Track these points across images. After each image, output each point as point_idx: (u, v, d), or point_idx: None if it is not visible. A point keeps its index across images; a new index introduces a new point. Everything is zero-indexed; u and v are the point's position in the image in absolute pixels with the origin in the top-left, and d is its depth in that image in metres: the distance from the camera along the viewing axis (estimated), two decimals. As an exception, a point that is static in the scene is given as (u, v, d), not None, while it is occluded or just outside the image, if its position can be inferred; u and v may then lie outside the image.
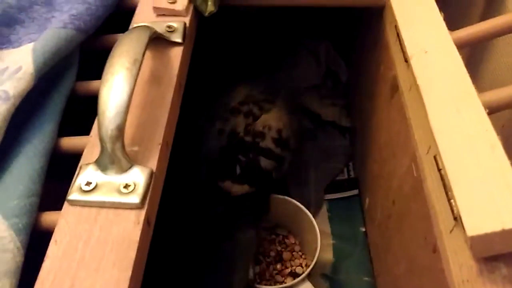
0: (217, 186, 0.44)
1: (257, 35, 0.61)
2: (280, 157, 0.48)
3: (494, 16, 0.32)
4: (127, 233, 0.26)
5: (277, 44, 0.63)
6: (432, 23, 0.31)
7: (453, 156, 0.24)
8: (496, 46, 0.36)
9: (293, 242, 0.50)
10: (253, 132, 0.47)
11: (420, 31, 0.31)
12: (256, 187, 0.46)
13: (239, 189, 0.45)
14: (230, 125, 0.48)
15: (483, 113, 0.25)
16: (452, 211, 0.25)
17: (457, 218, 0.25)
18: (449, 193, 0.25)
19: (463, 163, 0.24)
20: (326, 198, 0.55)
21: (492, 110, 0.26)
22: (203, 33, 0.44)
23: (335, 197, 0.56)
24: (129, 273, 0.25)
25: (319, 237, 0.44)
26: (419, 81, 0.28)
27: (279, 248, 0.49)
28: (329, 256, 0.50)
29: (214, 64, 0.56)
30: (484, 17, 0.40)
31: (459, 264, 0.25)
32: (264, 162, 0.46)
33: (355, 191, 0.56)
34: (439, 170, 0.27)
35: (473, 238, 0.22)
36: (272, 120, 0.48)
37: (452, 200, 0.25)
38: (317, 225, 0.46)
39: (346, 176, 0.58)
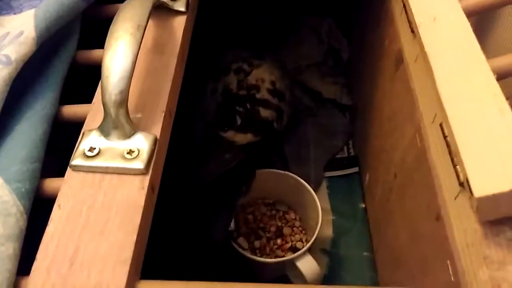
0: (219, 136, 0.45)
1: (259, 11, 0.61)
2: (279, 107, 0.48)
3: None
4: (131, 198, 0.26)
5: (279, 22, 0.62)
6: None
7: (461, 120, 0.24)
8: (502, 14, 0.36)
9: (294, 217, 0.50)
10: (247, 85, 0.47)
11: (428, -1, 0.31)
12: (261, 136, 0.46)
13: (242, 138, 0.46)
14: (223, 84, 0.48)
15: (492, 78, 0.25)
16: (458, 177, 0.25)
17: (463, 183, 0.25)
18: (455, 159, 0.25)
19: (471, 127, 0.24)
20: (326, 176, 0.55)
21: (500, 76, 0.26)
22: (206, 5, 0.43)
23: (335, 175, 0.56)
24: (135, 237, 0.25)
25: (320, 212, 0.45)
26: (427, 49, 0.28)
27: (279, 224, 0.49)
28: (329, 231, 0.50)
29: (215, 40, 0.55)
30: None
31: (464, 229, 0.25)
32: (264, 112, 0.47)
33: (355, 169, 0.56)
34: (445, 137, 0.27)
35: (480, 199, 0.22)
36: (264, 73, 0.49)
37: (458, 166, 0.25)
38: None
39: (346, 154, 0.58)
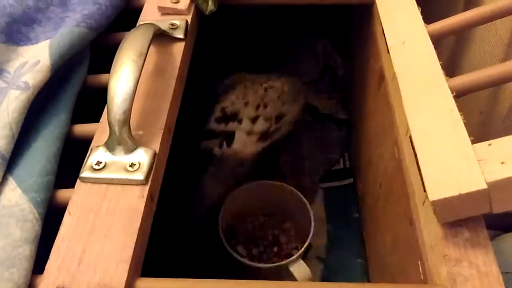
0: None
1: (257, 32, 0.65)
2: (225, 132, 0.47)
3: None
4: (132, 205, 0.29)
5: (277, 42, 0.66)
6: (410, 17, 0.34)
7: (422, 134, 0.27)
8: (475, 36, 0.38)
9: (290, 226, 0.52)
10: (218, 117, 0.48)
11: (399, 24, 0.34)
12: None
13: None
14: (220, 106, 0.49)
15: (450, 96, 0.28)
16: (423, 184, 0.28)
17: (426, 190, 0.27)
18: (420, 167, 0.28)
19: (429, 139, 0.27)
20: (322, 187, 0.58)
21: (458, 94, 0.29)
22: (205, 30, 0.47)
23: (331, 186, 0.58)
24: (134, 238, 0.28)
25: (312, 220, 0.47)
26: (395, 69, 0.31)
27: (276, 232, 0.52)
28: (323, 240, 0.53)
29: (214, 61, 0.59)
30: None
31: (429, 232, 0.28)
32: (205, 143, 0.48)
33: (350, 180, 0.58)
34: (413, 148, 0.30)
35: (434, 203, 0.24)
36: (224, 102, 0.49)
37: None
38: (313, 212, 0.49)
39: (342, 166, 0.60)
